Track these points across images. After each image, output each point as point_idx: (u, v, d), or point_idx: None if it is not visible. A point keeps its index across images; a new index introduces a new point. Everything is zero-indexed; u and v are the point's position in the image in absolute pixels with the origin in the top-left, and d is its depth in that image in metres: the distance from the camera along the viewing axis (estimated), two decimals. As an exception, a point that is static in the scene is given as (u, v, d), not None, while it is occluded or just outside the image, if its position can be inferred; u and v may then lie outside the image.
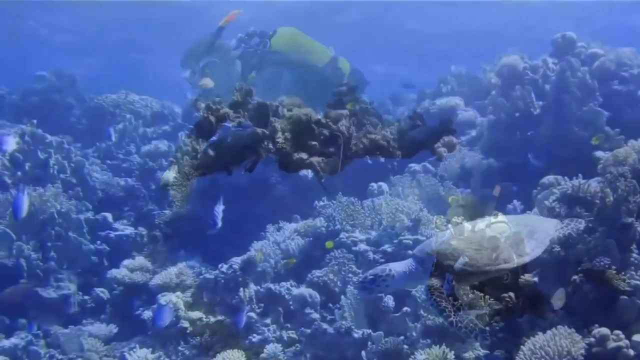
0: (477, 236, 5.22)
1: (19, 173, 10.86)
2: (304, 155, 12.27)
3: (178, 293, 7.99)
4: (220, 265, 7.89)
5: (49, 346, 8.13)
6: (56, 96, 21.50)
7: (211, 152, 12.15)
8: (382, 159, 12.80)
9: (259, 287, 7.62)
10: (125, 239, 10.88)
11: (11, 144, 9.75)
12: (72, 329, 8.09)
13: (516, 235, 5.20)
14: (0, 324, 8.22)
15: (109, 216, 10.99)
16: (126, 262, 9.95)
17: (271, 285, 7.60)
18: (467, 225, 5.58)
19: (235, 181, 11.57)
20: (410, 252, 7.51)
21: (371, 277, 5.24)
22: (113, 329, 8.70)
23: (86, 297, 9.51)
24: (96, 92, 22.36)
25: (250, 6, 22.17)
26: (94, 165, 12.77)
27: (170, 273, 9.14)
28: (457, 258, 5.06)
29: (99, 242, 10.36)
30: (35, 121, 11.70)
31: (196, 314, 7.51)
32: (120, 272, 9.59)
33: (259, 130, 11.75)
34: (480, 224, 5.48)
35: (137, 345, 7.39)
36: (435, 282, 5.19)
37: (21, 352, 7.93)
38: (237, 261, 7.73)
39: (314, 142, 12.64)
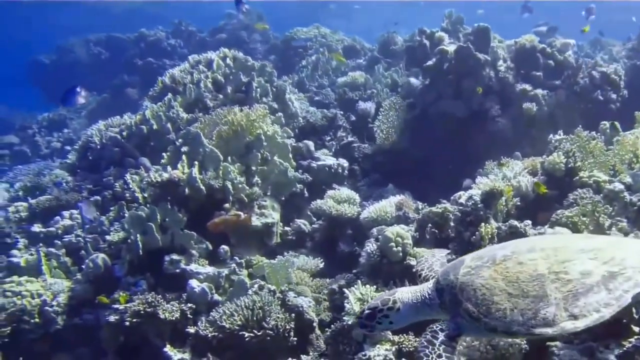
0: (521, 271, 3.80)
1: (221, 96, 10.40)
2: (527, 87, 11.11)
3: (402, 226, 7.05)
4: (456, 196, 6.87)
5: (251, 276, 7.51)
6: (243, 33, 21.46)
7: (418, 81, 11.24)
8: (613, 95, 11.36)
9: (500, 224, 6.52)
10: (327, 170, 10.10)
11: (80, 99, 9.32)
12: (279, 259, 7.39)
13: (584, 279, 3.66)
14: (204, 250, 7.68)
15: (311, 144, 10.27)
16: (331, 192, 9.20)
17: (515, 222, 6.46)
18: (517, 247, 4.08)
19: (449, 112, 10.51)
20: None
21: (368, 311, 4.26)
22: (319, 262, 7.94)
23: (287, 228, 8.87)
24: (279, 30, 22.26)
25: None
26: (292, 94, 12.08)
27: (384, 206, 8.25)
28: (481, 301, 3.79)
29: (300, 171, 9.66)
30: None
31: (424, 251, 6.54)
32: (326, 203, 8.83)
33: (480, 55, 10.67)
34: (538, 250, 3.95)
35: (359, 281, 6.53)
36: (440, 329, 3.98)
37: (224, 280, 7.36)
38: (477, 192, 6.66)
39: (538, 73, 11.45)
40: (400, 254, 6.49)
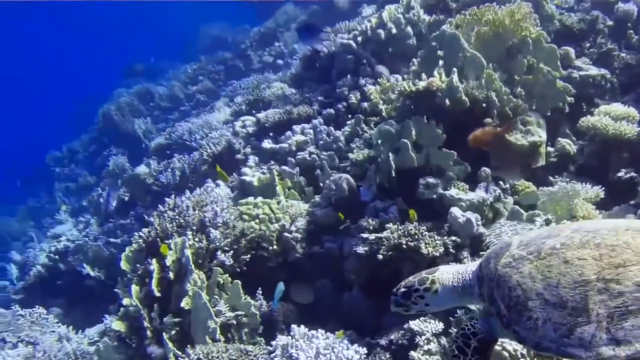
0: (565, 273, 3.05)
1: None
2: None
3: None
4: None
5: (518, 205, 6.34)
6: None
7: None
8: None
9: None
10: (591, 81, 8.57)
11: None
12: (560, 186, 6.20)
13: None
14: (462, 172, 6.60)
15: (571, 51, 8.76)
16: (604, 107, 7.76)
17: None
18: (570, 237, 3.20)
19: None
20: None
21: (404, 289, 3.80)
22: (600, 191, 6.60)
23: (549, 149, 7.57)
24: None
25: None
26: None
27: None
28: (514, 304, 3.16)
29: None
30: None
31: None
32: (600, 121, 7.41)
33: None
34: (591, 246, 3.09)
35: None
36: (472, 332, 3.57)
37: (488, 209, 6.26)
38: None
39: None
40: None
